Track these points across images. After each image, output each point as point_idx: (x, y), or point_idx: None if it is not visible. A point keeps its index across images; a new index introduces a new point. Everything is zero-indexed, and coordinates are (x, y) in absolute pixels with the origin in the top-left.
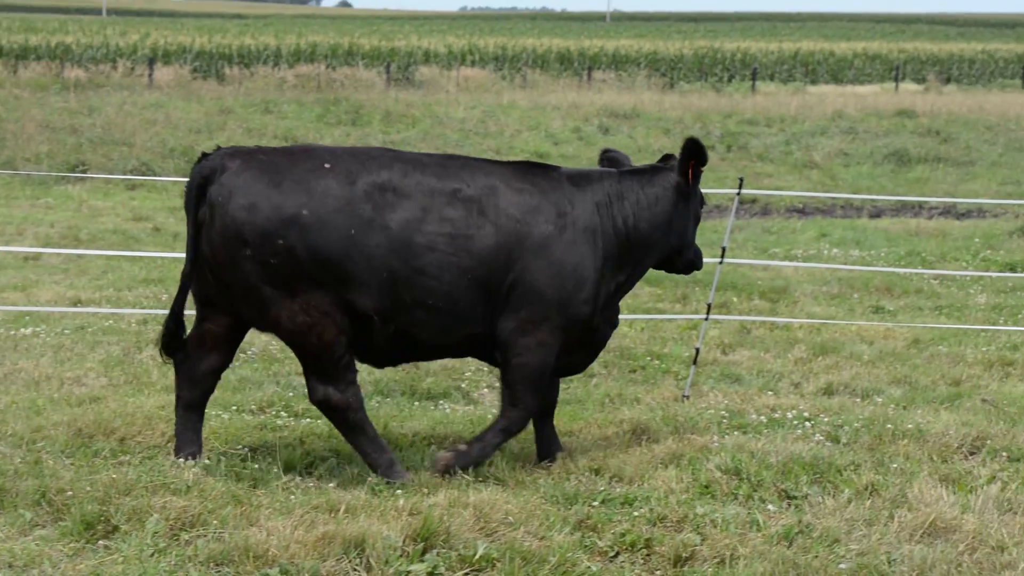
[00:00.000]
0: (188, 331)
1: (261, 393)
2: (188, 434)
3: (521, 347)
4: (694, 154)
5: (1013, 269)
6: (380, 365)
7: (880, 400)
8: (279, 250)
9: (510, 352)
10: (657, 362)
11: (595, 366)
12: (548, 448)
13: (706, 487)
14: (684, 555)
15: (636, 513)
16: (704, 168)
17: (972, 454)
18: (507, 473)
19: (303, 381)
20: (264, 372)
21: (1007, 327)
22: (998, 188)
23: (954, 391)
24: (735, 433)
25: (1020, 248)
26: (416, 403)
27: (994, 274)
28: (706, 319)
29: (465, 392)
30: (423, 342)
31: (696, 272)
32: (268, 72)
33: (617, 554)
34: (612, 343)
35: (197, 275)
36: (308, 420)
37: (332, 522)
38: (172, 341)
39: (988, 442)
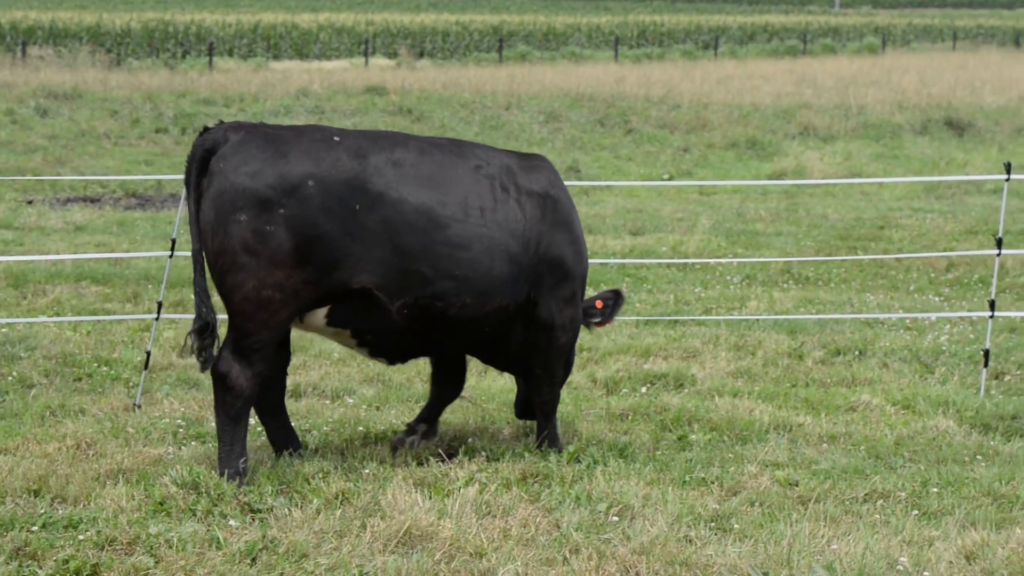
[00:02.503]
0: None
1: None
2: (285, 432)
3: (560, 326)
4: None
5: None
6: (393, 358)
7: (351, 401)
8: (277, 219)
9: (552, 332)
10: (105, 368)
11: (34, 375)
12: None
13: (161, 504)
14: None
15: (82, 537)
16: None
17: (450, 456)
18: None
19: None
20: None
21: None
22: None
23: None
24: (193, 443)
25: None
26: None
27: None
28: (156, 319)
29: None
30: (452, 317)
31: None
32: None
33: None
34: (54, 349)
35: None
36: None
37: None
38: (205, 328)
39: (468, 441)
